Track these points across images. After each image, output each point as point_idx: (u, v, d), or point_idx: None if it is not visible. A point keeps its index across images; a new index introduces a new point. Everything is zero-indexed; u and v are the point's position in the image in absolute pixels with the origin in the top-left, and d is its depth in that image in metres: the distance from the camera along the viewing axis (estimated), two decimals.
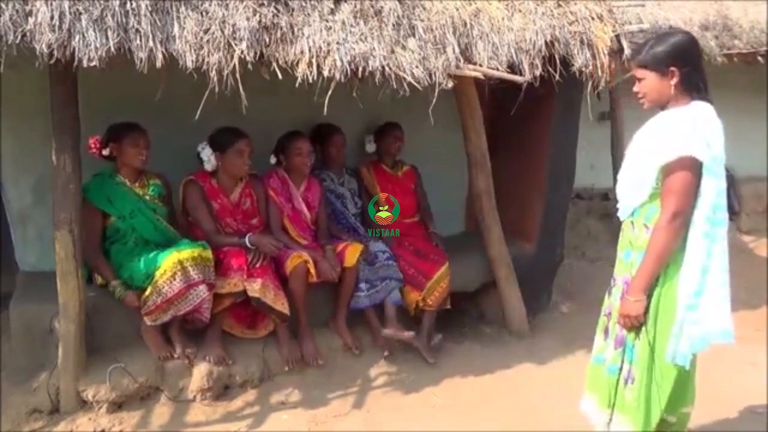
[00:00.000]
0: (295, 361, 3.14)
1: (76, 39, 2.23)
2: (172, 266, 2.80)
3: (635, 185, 2.12)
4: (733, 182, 2.17)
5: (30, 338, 2.93)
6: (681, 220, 1.99)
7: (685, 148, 1.95)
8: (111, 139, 2.99)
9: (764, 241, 5.62)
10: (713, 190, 1.98)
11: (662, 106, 2.11)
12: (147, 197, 3.07)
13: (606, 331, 2.27)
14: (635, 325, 2.09)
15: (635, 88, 2.15)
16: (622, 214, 2.22)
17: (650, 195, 2.08)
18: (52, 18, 2.20)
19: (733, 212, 2.18)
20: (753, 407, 3.01)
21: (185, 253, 2.83)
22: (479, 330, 3.95)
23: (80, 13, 2.25)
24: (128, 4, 2.31)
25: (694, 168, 1.96)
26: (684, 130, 1.98)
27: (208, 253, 2.93)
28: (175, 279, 2.81)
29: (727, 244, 2.13)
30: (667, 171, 2.00)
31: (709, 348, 2.08)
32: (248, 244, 3.08)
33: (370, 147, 3.94)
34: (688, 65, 2.03)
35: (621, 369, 2.18)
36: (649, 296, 2.08)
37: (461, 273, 3.72)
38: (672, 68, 2.03)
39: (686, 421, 2.38)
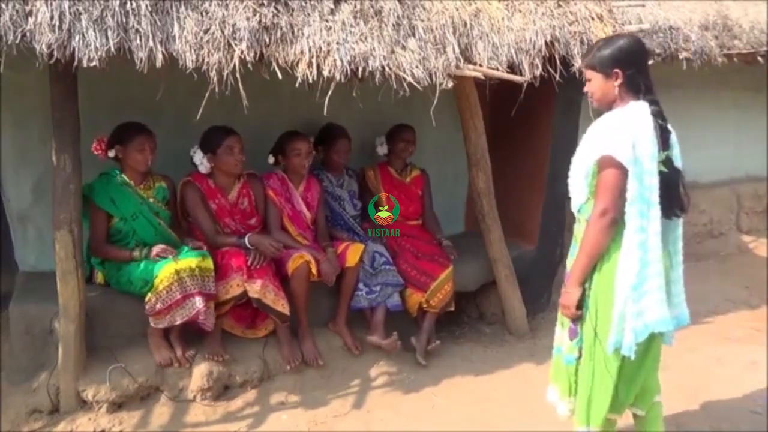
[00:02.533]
0: (295, 361, 3.14)
1: (76, 39, 2.23)
2: (168, 276, 2.79)
3: (578, 184, 2.25)
4: (682, 181, 2.21)
5: (30, 338, 2.93)
6: (610, 216, 2.09)
7: (607, 148, 2.07)
8: (117, 141, 2.96)
9: (764, 241, 5.63)
10: (638, 187, 2.07)
11: (609, 105, 2.21)
12: (151, 200, 3.06)
13: (563, 323, 2.40)
14: (570, 315, 2.24)
15: (585, 89, 2.28)
16: (573, 211, 2.35)
17: (590, 193, 2.20)
18: (52, 18, 2.20)
19: (682, 210, 2.23)
20: (753, 407, 3.01)
21: (182, 263, 2.83)
22: (479, 330, 3.96)
23: (80, 13, 2.25)
24: (128, 4, 2.31)
25: (618, 166, 2.06)
26: (610, 131, 2.10)
27: (208, 263, 2.91)
28: (172, 289, 2.80)
29: (680, 236, 2.29)
30: (597, 170, 2.13)
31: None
32: (248, 245, 3.08)
33: (381, 149, 3.88)
34: (632, 68, 2.13)
35: (580, 359, 2.30)
36: (588, 288, 2.22)
37: (461, 273, 3.71)
38: (616, 70, 2.13)
39: (660, 411, 2.44)
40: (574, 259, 2.24)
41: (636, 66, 2.15)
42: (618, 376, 2.21)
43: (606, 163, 2.09)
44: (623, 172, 2.07)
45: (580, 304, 2.22)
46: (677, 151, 2.21)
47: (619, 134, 2.07)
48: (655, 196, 2.10)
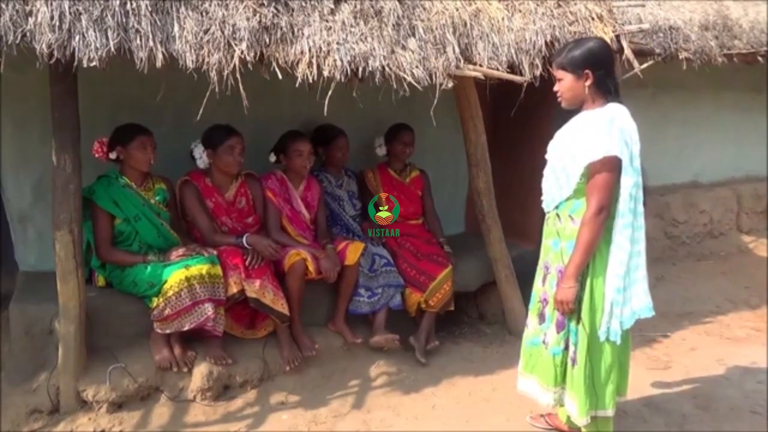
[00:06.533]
0: (295, 362, 3.14)
1: (76, 39, 2.23)
2: (178, 282, 2.80)
3: (560, 182, 2.32)
4: (645, 179, 2.32)
5: (30, 338, 2.93)
6: (605, 213, 2.20)
7: (608, 148, 2.15)
8: (118, 142, 2.96)
9: (764, 241, 5.62)
10: (632, 185, 2.17)
11: (578, 105, 2.31)
12: (152, 201, 3.06)
13: (542, 316, 2.46)
14: (568, 310, 2.29)
15: (555, 88, 2.34)
16: (547, 207, 2.42)
17: (575, 190, 2.27)
18: (52, 18, 2.20)
19: (644, 205, 2.33)
20: (753, 407, 3.01)
21: (193, 269, 2.83)
22: (479, 330, 3.96)
23: (80, 13, 2.25)
24: (128, 4, 2.32)
25: (615, 166, 2.17)
26: (605, 132, 2.17)
27: (217, 269, 2.91)
28: (181, 295, 2.81)
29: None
30: (591, 170, 2.20)
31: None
32: (245, 244, 3.08)
33: (381, 150, 3.88)
34: (601, 69, 2.23)
35: (567, 350, 2.38)
36: (582, 283, 2.29)
37: (461, 273, 3.72)
38: (586, 71, 2.23)
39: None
40: (569, 255, 2.29)
41: (605, 68, 2.24)
42: (618, 359, 2.34)
43: (607, 163, 2.16)
44: (619, 171, 2.17)
45: (578, 298, 2.29)
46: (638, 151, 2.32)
47: (615, 135, 2.15)
48: (641, 192, 2.23)
